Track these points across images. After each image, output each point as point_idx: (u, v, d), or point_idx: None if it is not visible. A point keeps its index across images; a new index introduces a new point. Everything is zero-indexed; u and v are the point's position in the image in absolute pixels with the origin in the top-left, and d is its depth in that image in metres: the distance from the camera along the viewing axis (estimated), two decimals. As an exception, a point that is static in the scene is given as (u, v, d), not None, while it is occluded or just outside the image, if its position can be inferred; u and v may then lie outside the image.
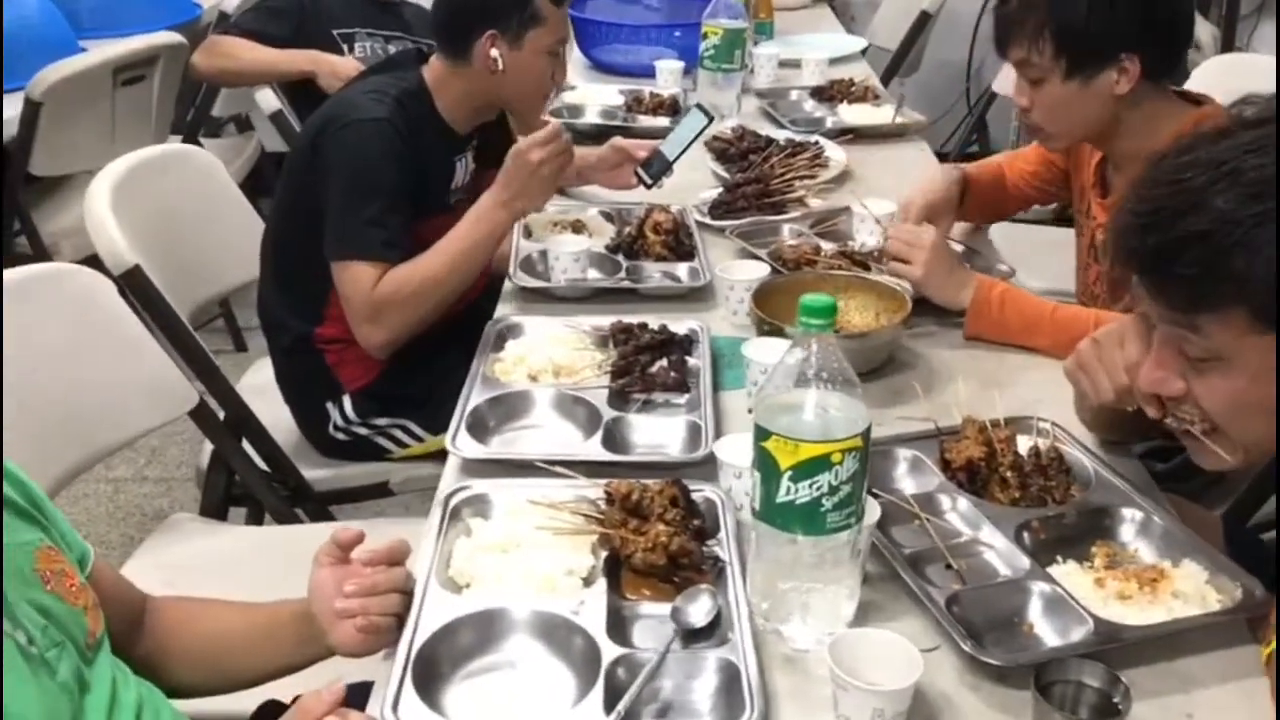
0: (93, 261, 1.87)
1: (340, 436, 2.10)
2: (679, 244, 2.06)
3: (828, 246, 2.06)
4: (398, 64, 2.07)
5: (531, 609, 1.17)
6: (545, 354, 1.67)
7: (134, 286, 1.88)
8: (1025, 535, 1.29)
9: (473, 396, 1.59)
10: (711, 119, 2.21)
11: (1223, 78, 2.61)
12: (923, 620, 1.20)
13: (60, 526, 1.16)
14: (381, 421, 2.09)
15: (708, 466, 1.43)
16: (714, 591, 1.20)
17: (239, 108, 3.80)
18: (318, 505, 2.10)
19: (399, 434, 2.10)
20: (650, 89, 3.01)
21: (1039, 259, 2.89)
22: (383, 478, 2.13)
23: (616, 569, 1.26)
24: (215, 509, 2.07)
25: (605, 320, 1.78)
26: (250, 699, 1.33)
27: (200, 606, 1.31)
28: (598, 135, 2.51)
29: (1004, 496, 1.38)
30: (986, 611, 1.20)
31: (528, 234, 2.15)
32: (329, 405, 2.08)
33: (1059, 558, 1.27)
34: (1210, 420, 1.15)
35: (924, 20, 3.94)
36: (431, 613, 1.17)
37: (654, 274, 2.01)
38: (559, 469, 1.37)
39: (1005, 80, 3.63)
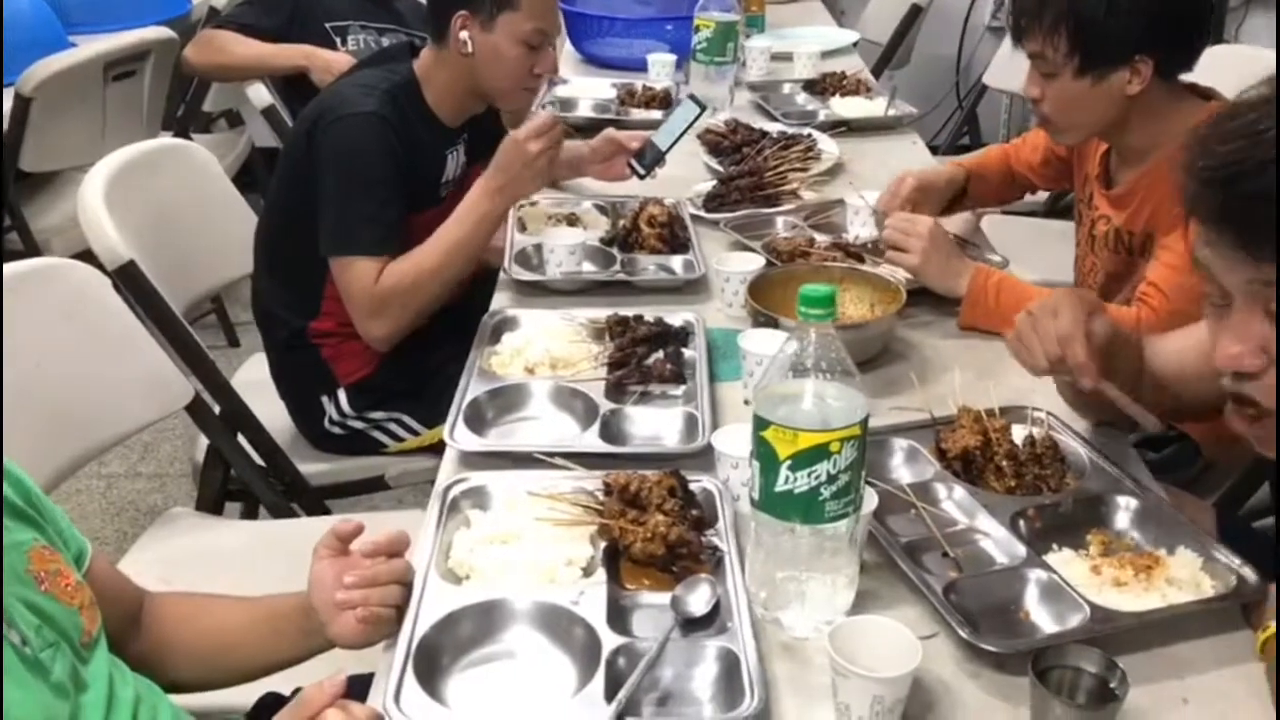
0: (84, 257, 1.87)
1: (335, 430, 2.10)
2: (673, 236, 2.06)
3: (821, 239, 2.07)
4: (390, 57, 2.07)
5: (531, 599, 1.18)
6: (542, 347, 1.68)
7: (128, 281, 1.88)
8: (1021, 523, 1.30)
9: (470, 389, 1.59)
10: (704, 109, 2.22)
11: (1211, 68, 2.62)
12: (920, 608, 1.21)
13: (58, 524, 1.16)
14: (377, 415, 2.09)
15: (705, 457, 1.43)
16: (713, 581, 1.21)
17: (230, 103, 3.79)
18: (313, 499, 2.09)
19: (394, 427, 2.10)
20: (643, 82, 3.02)
21: (1031, 250, 2.89)
22: (378, 471, 2.13)
23: (616, 559, 1.26)
24: (211, 504, 2.07)
25: (601, 313, 1.78)
26: (250, 692, 1.34)
27: (200, 602, 1.31)
28: (590, 128, 2.52)
29: (999, 485, 1.39)
30: (983, 599, 1.20)
31: (522, 227, 2.15)
32: (324, 399, 2.08)
33: (1055, 545, 1.28)
34: None
35: (915, 14, 3.94)
36: (432, 604, 1.17)
37: (649, 266, 2.02)
38: (557, 461, 1.38)
39: (998, 72, 3.65)
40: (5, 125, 2.81)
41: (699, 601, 1.18)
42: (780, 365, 1.13)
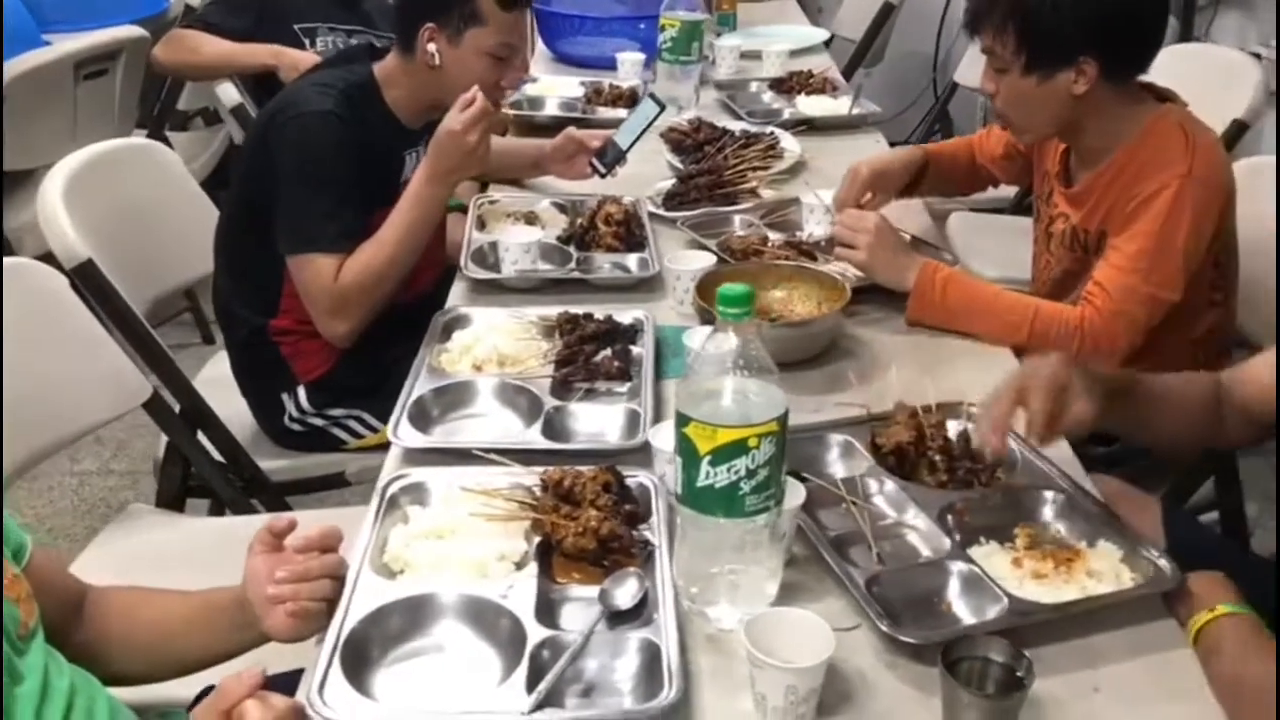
0: (53, 257, 1.89)
1: (295, 427, 2.12)
2: (630, 235, 2.08)
3: (775, 237, 2.09)
4: (350, 58, 2.09)
5: (460, 593, 1.20)
6: (490, 344, 1.70)
7: (86, 280, 1.90)
8: (949, 517, 1.33)
9: (417, 387, 1.61)
10: (663, 108, 2.24)
11: (1176, 67, 2.64)
12: (845, 600, 1.23)
13: None
14: (336, 412, 2.11)
15: (645, 453, 1.45)
16: (641, 575, 1.23)
17: (206, 101, 3.80)
18: (274, 496, 2.11)
19: (354, 424, 2.12)
20: (610, 81, 3.03)
21: (996, 248, 2.93)
22: (339, 468, 2.15)
23: (549, 554, 1.28)
24: (171, 500, 2.08)
25: (553, 310, 1.80)
26: (192, 686, 1.35)
27: (140, 595, 1.33)
28: (555, 126, 2.53)
29: (932, 480, 1.41)
30: (906, 591, 1.23)
31: (481, 225, 2.17)
32: (284, 396, 2.10)
33: (982, 539, 1.31)
34: None
35: (888, 11, 3.96)
36: (362, 598, 1.19)
37: (604, 265, 2.04)
38: (493, 456, 1.40)
39: (968, 70, 3.66)
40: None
41: (626, 595, 1.20)
42: (703, 363, 1.15)
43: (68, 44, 2.99)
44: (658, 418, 1.54)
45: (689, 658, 1.16)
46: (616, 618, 1.19)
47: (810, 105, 2.90)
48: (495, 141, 2.30)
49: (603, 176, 2.27)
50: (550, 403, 1.57)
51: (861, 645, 1.18)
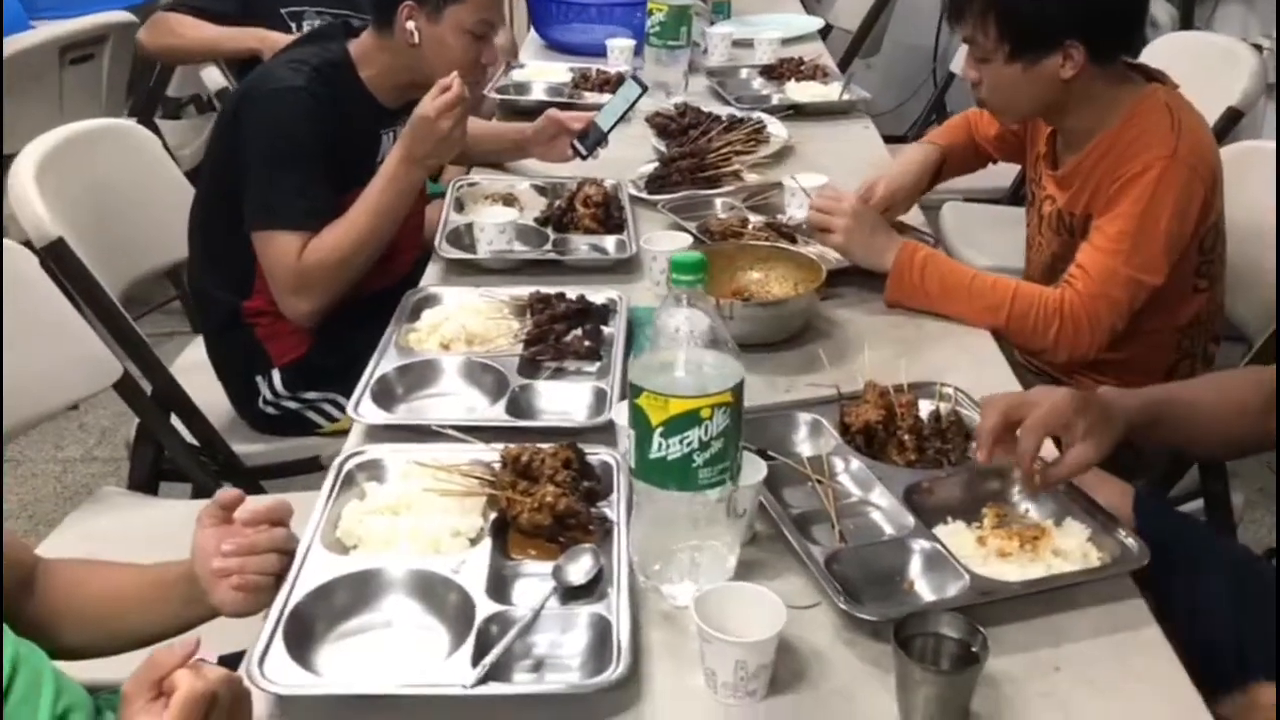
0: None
1: (270, 411, 2.09)
2: (608, 217, 2.05)
3: (756, 219, 2.06)
4: (323, 36, 2.07)
5: (409, 568, 1.17)
6: (458, 323, 1.67)
7: (57, 259, 1.88)
8: (915, 496, 1.30)
9: (381, 364, 1.59)
10: (645, 89, 2.21)
11: (1175, 55, 2.61)
12: (804, 578, 1.21)
13: None
14: (310, 395, 2.09)
15: (609, 431, 1.43)
16: (596, 551, 1.20)
17: (197, 88, 3.78)
18: (249, 480, 2.09)
19: (328, 408, 2.10)
20: (598, 67, 3.01)
21: (991, 237, 2.90)
22: (314, 452, 2.12)
23: (505, 530, 1.26)
24: (143, 483, 2.06)
25: (525, 290, 1.77)
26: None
27: (91, 568, 1.31)
28: (539, 112, 2.50)
29: (901, 459, 1.39)
30: (867, 569, 1.20)
31: (459, 207, 2.15)
32: (258, 379, 2.08)
33: (948, 518, 1.28)
34: None
35: (884, 1, 3.93)
36: (310, 572, 1.17)
37: (581, 246, 2.01)
38: (451, 432, 1.37)
39: (961, 59, 3.63)
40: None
41: (579, 571, 1.18)
42: (657, 334, 1.13)
43: (53, 28, 2.97)
44: (624, 396, 1.51)
45: (643, 634, 1.13)
46: (570, 594, 1.17)
47: (800, 91, 2.87)
48: (475, 124, 2.28)
49: (584, 158, 2.24)
50: (516, 381, 1.55)
51: (821, 623, 1.16)
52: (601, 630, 1.11)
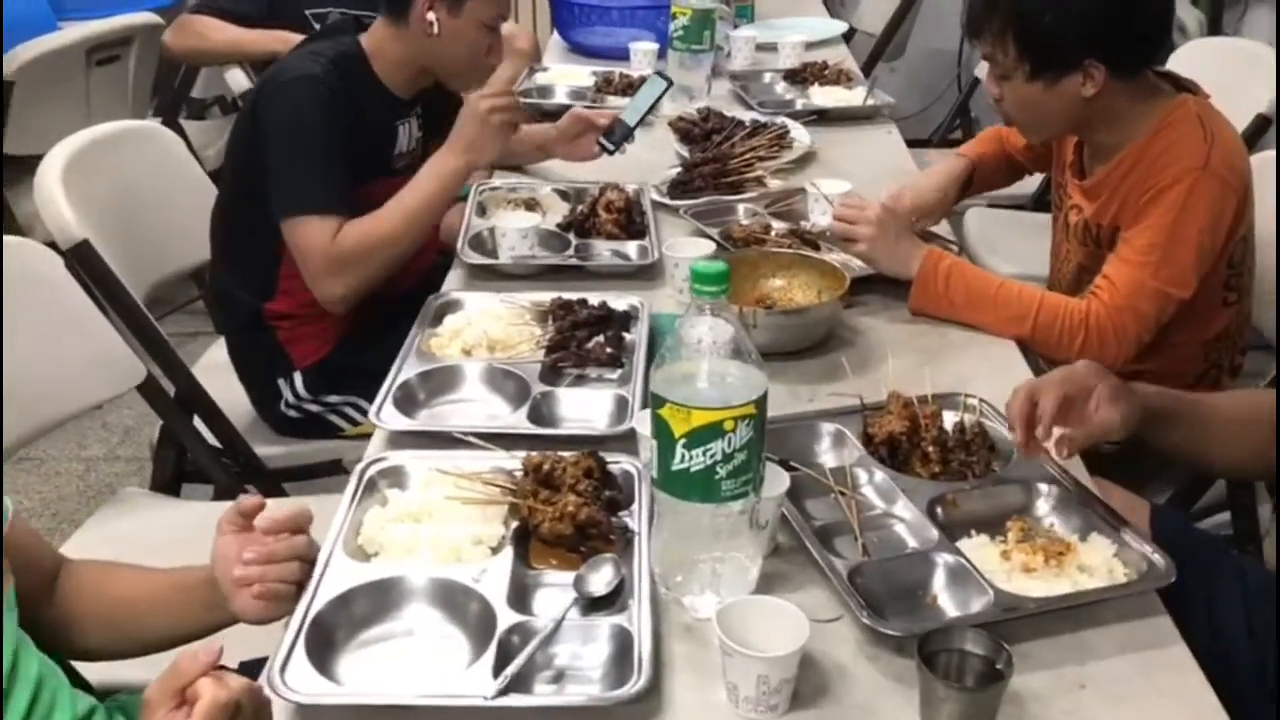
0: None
1: (292, 414, 2.10)
2: (630, 223, 2.05)
3: (779, 226, 2.05)
4: (335, 30, 2.08)
5: (430, 577, 1.17)
6: (480, 329, 1.67)
7: (82, 261, 1.89)
8: (938, 509, 1.29)
9: (404, 370, 1.59)
10: (670, 83, 2.22)
11: (1202, 61, 2.59)
12: (827, 591, 1.20)
13: None
14: (332, 399, 2.09)
15: (630, 440, 1.42)
16: (618, 561, 1.20)
17: (222, 89, 3.80)
18: (270, 483, 2.09)
19: (350, 411, 2.10)
20: (621, 70, 3.00)
21: (1015, 243, 2.88)
22: (336, 455, 2.13)
23: (526, 539, 1.26)
24: (166, 484, 2.07)
25: (548, 296, 1.77)
26: (161, 667, 1.33)
27: (113, 570, 1.31)
28: (562, 115, 2.50)
29: (924, 471, 1.38)
30: (890, 583, 1.19)
31: (481, 211, 2.15)
32: (280, 382, 2.08)
33: (972, 531, 1.27)
34: None
35: (909, 4, 3.92)
36: (332, 580, 1.17)
37: (603, 252, 2.01)
38: (476, 440, 1.37)
39: (984, 67, 3.61)
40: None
41: (600, 581, 1.18)
42: (680, 344, 1.12)
43: (80, 29, 2.99)
44: (646, 404, 1.50)
45: (664, 646, 1.13)
46: (591, 605, 1.16)
47: (824, 96, 2.86)
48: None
49: (611, 154, 2.23)
50: (538, 388, 1.54)
51: (843, 637, 1.15)
52: (623, 642, 1.10)
